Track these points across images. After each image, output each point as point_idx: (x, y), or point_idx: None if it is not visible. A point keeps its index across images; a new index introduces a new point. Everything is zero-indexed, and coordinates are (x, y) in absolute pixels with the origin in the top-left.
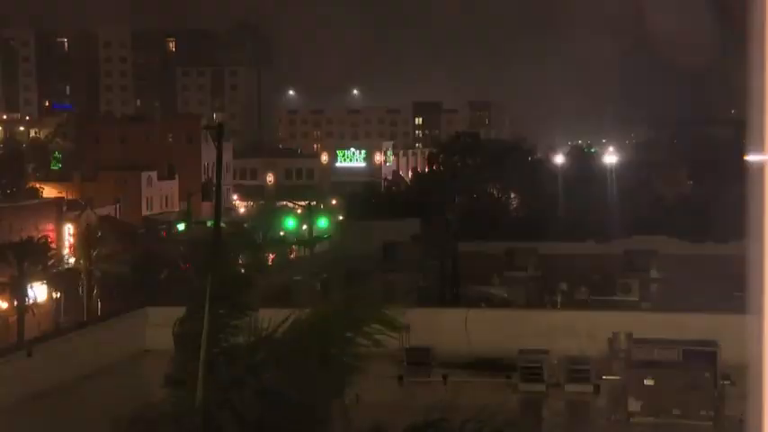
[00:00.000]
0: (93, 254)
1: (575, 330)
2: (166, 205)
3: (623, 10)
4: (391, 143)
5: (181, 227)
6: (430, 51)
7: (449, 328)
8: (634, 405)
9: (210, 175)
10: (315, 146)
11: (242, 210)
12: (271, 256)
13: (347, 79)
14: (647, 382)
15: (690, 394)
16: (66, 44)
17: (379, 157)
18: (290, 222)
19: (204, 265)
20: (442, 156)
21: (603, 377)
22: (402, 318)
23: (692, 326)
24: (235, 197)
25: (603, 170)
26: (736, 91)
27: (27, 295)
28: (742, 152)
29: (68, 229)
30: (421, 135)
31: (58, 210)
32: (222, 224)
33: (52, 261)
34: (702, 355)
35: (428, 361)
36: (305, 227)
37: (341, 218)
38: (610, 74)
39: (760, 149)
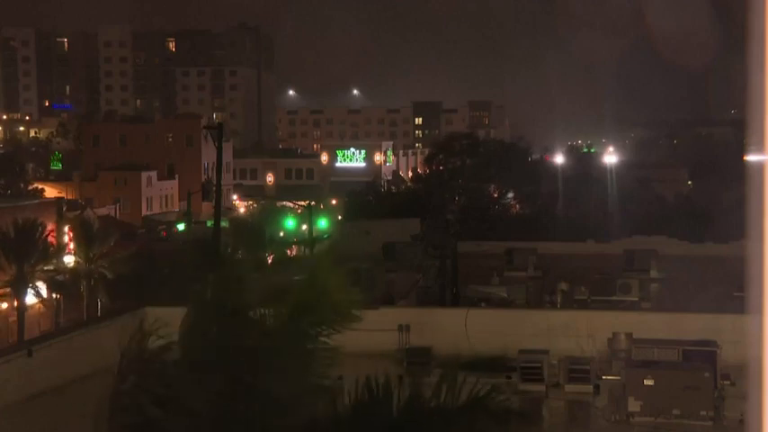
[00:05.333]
0: (92, 254)
1: (575, 330)
2: (166, 205)
3: (623, 10)
4: (391, 143)
5: (181, 227)
6: (430, 51)
7: (449, 328)
8: (634, 405)
9: (210, 175)
10: (315, 146)
11: (242, 210)
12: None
13: (347, 79)
14: (647, 382)
15: (690, 394)
16: (66, 44)
17: (379, 157)
18: (290, 222)
19: (205, 265)
20: (440, 156)
21: (603, 377)
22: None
23: (692, 326)
24: (235, 197)
25: (603, 170)
26: (736, 91)
27: (29, 295)
28: (742, 152)
29: (68, 229)
30: (421, 135)
31: (58, 210)
32: (223, 223)
33: (52, 261)
34: (702, 355)
35: (428, 361)
36: (305, 227)
37: (340, 218)
38: (610, 73)
39: (760, 149)
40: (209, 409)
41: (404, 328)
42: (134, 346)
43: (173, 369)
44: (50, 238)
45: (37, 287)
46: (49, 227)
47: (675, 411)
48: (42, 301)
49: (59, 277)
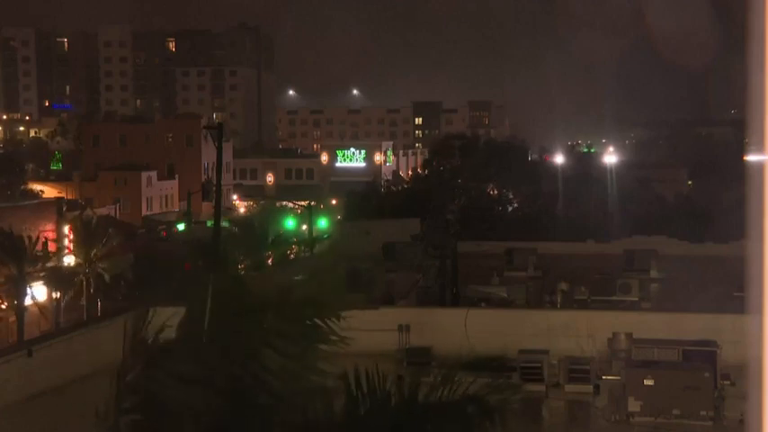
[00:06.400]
0: (92, 254)
1: (575, 330)
2: (166, 205)
3: (623, 10)
4: (391, 143)
5: (181, 227)
6: (430, 51)
7: (449, 328)
8: (634, 405)
9: (210, 175)
10: (315, 146)
11: (242, 210)
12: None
13: (347, 79)
14: (647, 382)
15: (690, 394)
16: (66, 44)
17: (378, 157)
18: (290, 222)
19: (206, 265)
20: (437, 159)
21: (603, 377)
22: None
23: (692, 326)
24: (235, 197)
25: (603, 170)
26: (736, 91)
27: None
28: (742, 152)
29: (67, 230)
30: (421, 135)
31: (58, 210)
32: (223, 224)
33: (52, 261)
34: (702, 355)
35: (428, 361)
36: (305, 227)
37: (339, 218)
38: (610, 73)
39: (760, 149)
40: (209, 409)
41: (404, 328)
42: (136, 346)
43: (172, 369)
44: (50, 239)
45: (32, 287)
46: (49, 227)
47: (675, 411)
48: (35, 303)
49: (59, 278)
